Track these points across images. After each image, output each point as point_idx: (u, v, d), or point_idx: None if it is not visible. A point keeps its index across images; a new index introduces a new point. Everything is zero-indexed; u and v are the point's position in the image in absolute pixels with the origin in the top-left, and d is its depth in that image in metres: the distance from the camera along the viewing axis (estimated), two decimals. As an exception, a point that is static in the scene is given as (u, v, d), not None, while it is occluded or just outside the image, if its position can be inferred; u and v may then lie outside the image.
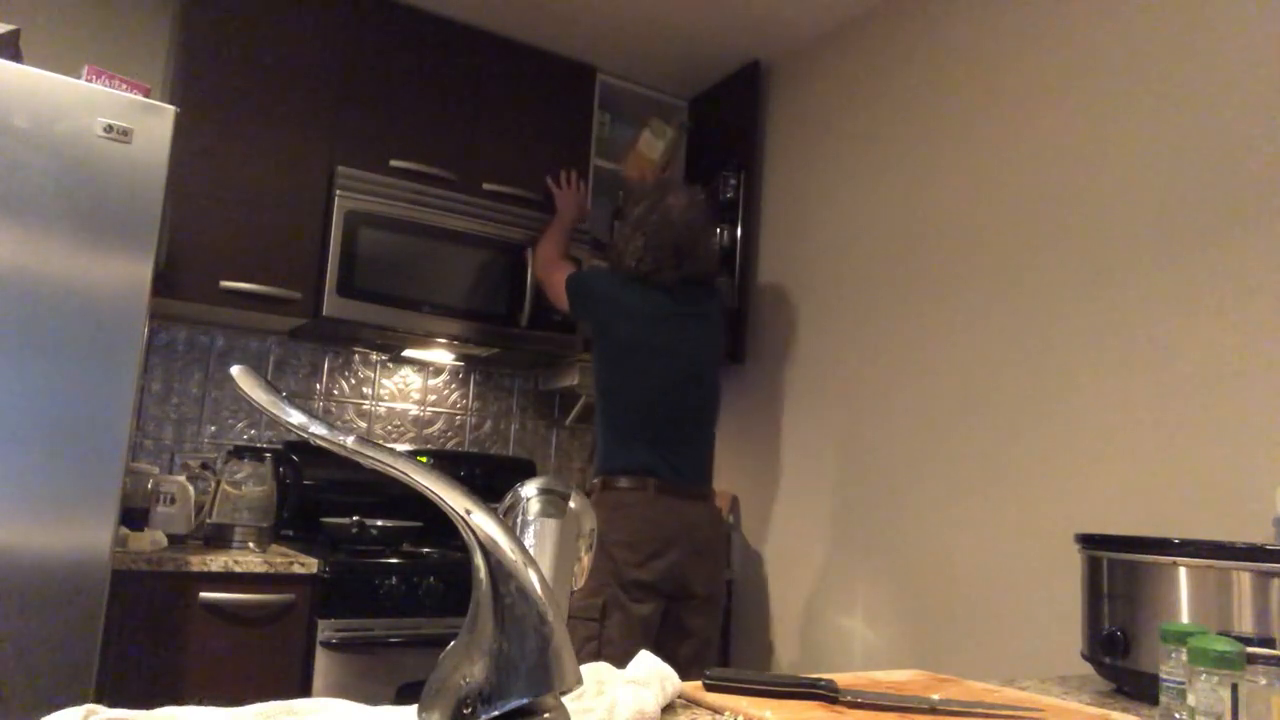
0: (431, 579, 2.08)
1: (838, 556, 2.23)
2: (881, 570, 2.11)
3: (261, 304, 2.23)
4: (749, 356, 2.64)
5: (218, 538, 2.10)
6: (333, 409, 2.67)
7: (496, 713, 0.54)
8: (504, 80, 2.65)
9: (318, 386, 2.65)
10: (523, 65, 2.69)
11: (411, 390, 2.80)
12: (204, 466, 2.31)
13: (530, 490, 0.78)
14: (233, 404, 2.51)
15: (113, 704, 0.66)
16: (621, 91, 2.91)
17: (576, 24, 2.61)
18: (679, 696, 0.91)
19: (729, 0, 2.44)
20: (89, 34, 2.38)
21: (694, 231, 2.12)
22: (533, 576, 0.56)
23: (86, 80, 1.70)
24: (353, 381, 2.71)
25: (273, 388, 0.53)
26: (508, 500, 0.79)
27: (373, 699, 1.89)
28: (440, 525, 2.35)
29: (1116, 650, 1.13)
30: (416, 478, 0.54)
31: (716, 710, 0.87)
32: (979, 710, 0.91)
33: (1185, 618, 1.08)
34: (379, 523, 2.30)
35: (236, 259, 2.21)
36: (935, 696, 0.93)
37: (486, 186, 2.56)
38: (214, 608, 1.88)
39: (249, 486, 2.13)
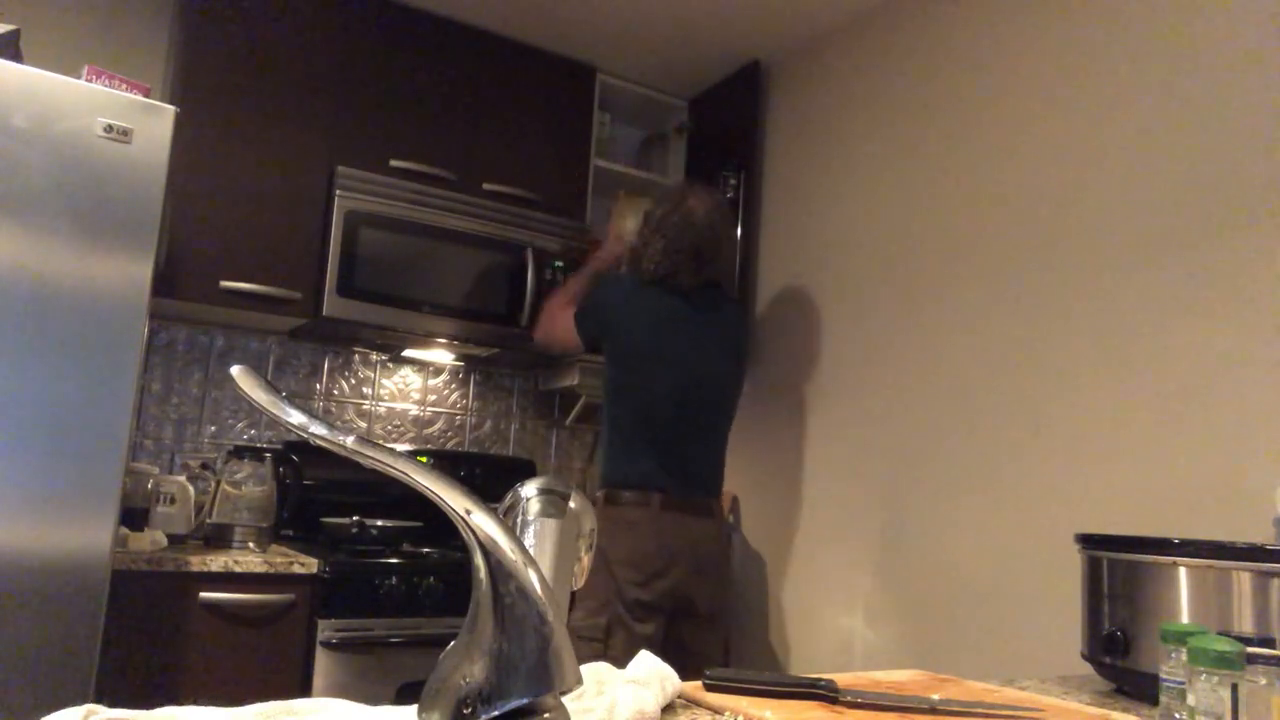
0: (431, 579, 2.08)
1: (838, 556, 2.23)
2: (881, 570, 2.10)
3: (261, 304, 2.23)
4: (748, 356, 2.63)
5: (218, 538, 2.10)
6: (333, 409, 2.67)
7: (496, 713, 0.54)
8: (504, 80, 2.65)
9: (318, 386, 2.65)
10: (523, 65, 2.69)
11: (411, 390, 2.80)
12: (204, 466, 2.31)
13: (530, 490, 0.78)
14: (233, 404, 2.51)
15: (113, 704, 0.66)
16: (621, 91, 2.91)
17: (576, 24, 2.61)
18: (679, 696, 0.91)
19: (729, 0, 2.44)
20: (89, 34, 2.38)
21: (715, 234, 2.08)
22: (533, 576, 0.56)
23: (86, 80, 1.70)
24: (353, 381, 2.71)
25: (273, 388, 0.53)
26: (508, 500, 0.79)
27: (373, 699, 1.89)
28: (440, 525, 2.35)
29: (1116, 650, 1.13)
30: (416, 478, 0.54)
31: (716, 710, 0.87)
32: (979, 710, 0.91)
33: (1185, 618, 1.08)
34: (379, 523, 2.30)
35: (236, 259, 2.21)
36: (935, 696, 0.93)
37: (486, 186, 2.56)
38: (214, 608, 1.88)
39: (249, 486, 2.13)
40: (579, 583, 0.80)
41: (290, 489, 2.38)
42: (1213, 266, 1.55)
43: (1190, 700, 0.79)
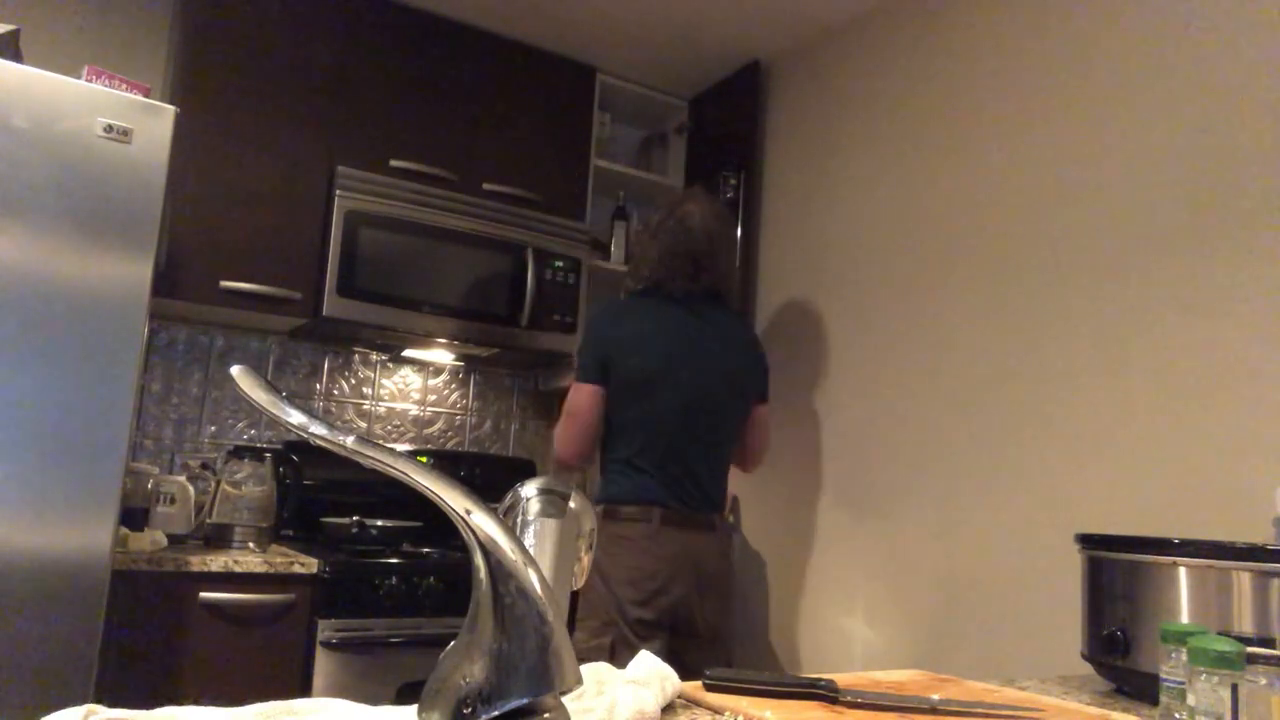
0: (431, 579, 2.08)
1: (838, 556, 2.23)
2: (881, 570, 2.10)
3: (261, 304, 2.23)
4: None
5: (218, 538, 2.10)
6: (333, 409, 2.67)
7: (496, 713, 0.54)
8: (504, 80, 2.65)
9: (318, 386, 2.65)
10: (523, 65, 2.69)
11: (411, 390, 2.80)
12: (204, 466, 2.31)
13: (530, 490, 0.78)
14: (233, 404, 2.51)
15: (113, 704, 0.66)
16: (621, 91, 2.91)
17: (576, 24, 2.61)
18: (679, 696, 0.91)
19: (729, 0, 2.44)
20: (89, 34, 2.38)
21: (713, 240, 2.03)
22: (533, 576, 0.56)
23: (86, 80, 1.70)
24: (353, 381, 2.71)
25: (273, 388, 0.53)
26: (508, 500, 0.79)
27: (373, 699, 1.89)
28: (440, 525, 2.35)
29: (1116, 650, 1.13)
30: (416, 478, 0.54)
31: (716, 710, 0.87)
32: (979, 710, 0.91)
33: (1185, 618, 1.08)
34: (379, 523, 2.30)
35: (236, 259, 2.21)
36: (935, 696, 0.93)
37: (486, 186, 2.56)
38: (214, 608, 1.88)
39: (249, 486, 2.13)
40: (579, 583, 0.80)
41: (290, 489, 2.38)
42: (1213, 267, 1.55)
43: (1190, 700, 0.79)
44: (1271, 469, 1.41)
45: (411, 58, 2.50)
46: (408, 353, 2.72)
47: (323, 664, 1.93)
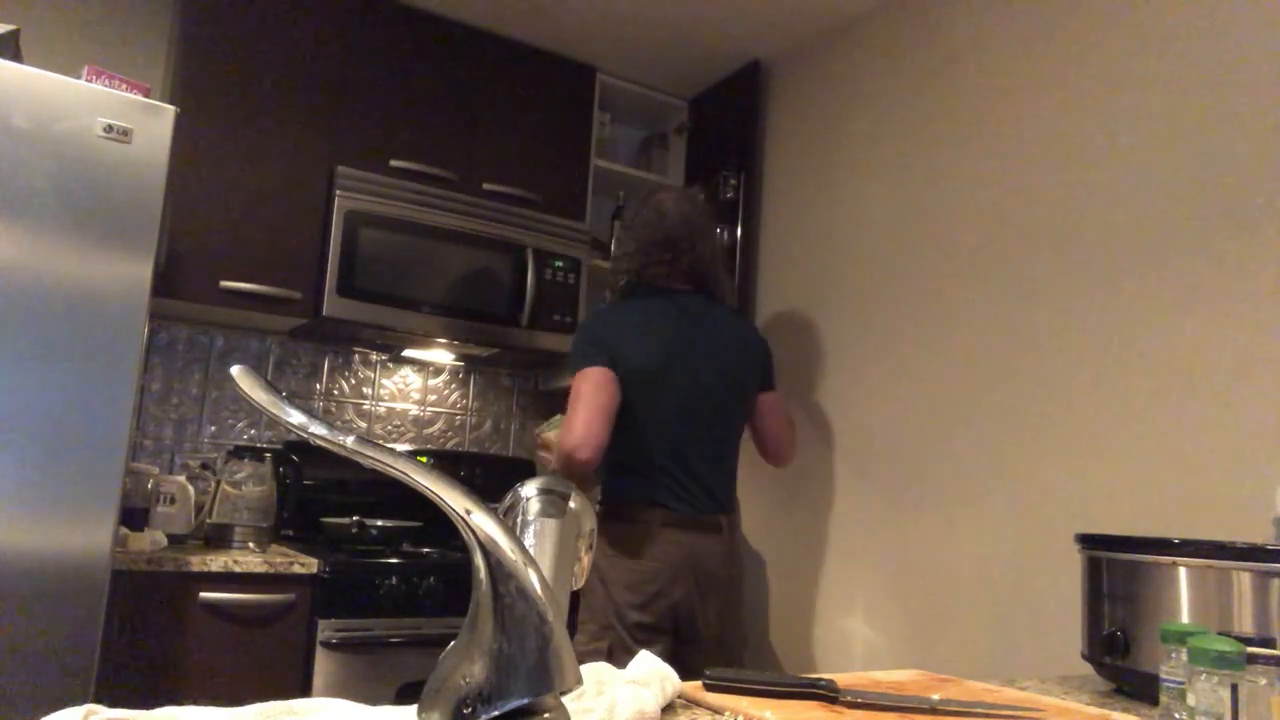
0: (431, 579, 2.08)
1: (838, 556, 2.23)
2: (881, 570, 2.10)
3: (261, 304, 2.23)
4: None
5: (218, 538, 2.10)
6: (333, 409, 2.67)
7: (496, 713, 0.54)
8: (504, 80, 2.65)
9: (318, 386, 2.65)
10: (523, 65, 2.69)
11: (411, 390, 2.80)
12: (204, 466, 2.32)
13: (530, 490, 0.78)
14: (233, 404, 2.51)
15: (113, 704, 0.66)
16: (621, 91, 2.91)
17: (576, 24, 2.61)
18: (679, 696, 0.91)
19: (729, 0, 2.44)
20: (89, 34, 2.38)
21: (689, 224, 1.98)
22: (533, 576, 0.56)
23: (86, 80, 1.70)
24: (353, 381, 2.71)
25: (273, 388, 0.53)
26: (508, 500, 0.79)
27: (373, 699, 1.89)
28: (440, 525, 2.35)
29: (1116, 650, 1.13)
30: (416, 478, 0.54)
31: (716, 710, 0.87)
32: (979, 710, 0.91)
33: (1185, 618, 1.08)
34: (379, 523, 2.30)
35: (236, 259, 2.21)
36: (935, 696, 0.93)
37: (486, 186, 2.56)
38: (214, 608, 1.88)
39: (249, 486, 2.13)
40: (579, 583, 0.80)
41: (290, 489, 2.38)
42: (1213, 267, 1.55)
43: (1190, 700, 0.79)
44: (1271, 469, 1.41)
45: (411, 58, 2.50)
46: (408, 353, 2.72)
47: (323, 664, 1.93)
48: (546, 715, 0.56)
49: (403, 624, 2.04)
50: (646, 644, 1.79)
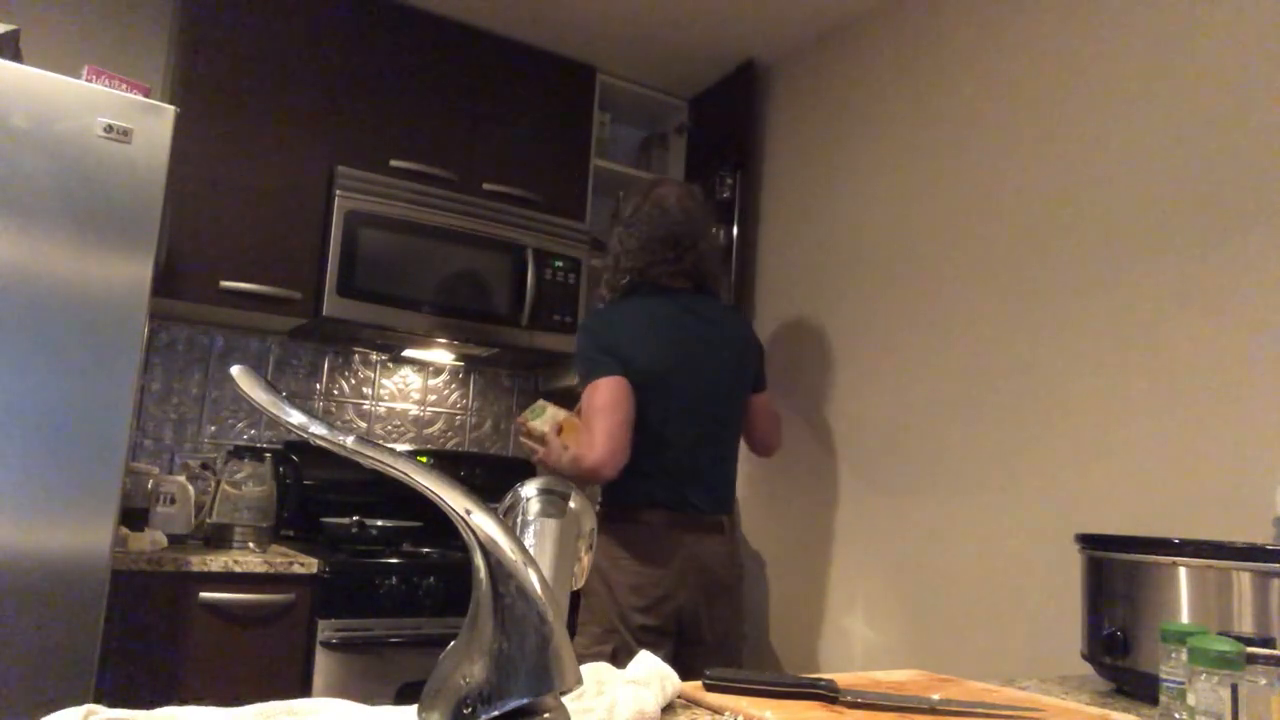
0: (431, 579, 2.08)
1: (838, 556, 2.23)
2: (881, 570, 2.10)
3: (261, 304, 2.23)
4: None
5: (218, 538, 2.10)
6: (333, 409, 2.67)
7: (496, 713, 0.54)
8: (504, 80, 2.65)
9: (318, 386, 2.65)
10: (523, 65, 2.69)
11: (411, 390, 2.80)
12: (204, 466, 2.31)
13: (530, 490, 0.78)
14: (233, 404, 2.51)
15: (113, 704, 0.66)
16: (621, 91, 2.91)
17: (576, 24, 2.61)
18: (679, 696, 0.91)
19: (728, 1, 2.44)
20: (89, 34, 2.38)
21: (692, 220, 1.95)
22: (533, 576, 0.56)
23: (86, 80, 1.70)
24: (353, 381, 2.71)
25: (273, 388, 0.53)
26: (508, 500, 0.79)
27: (373, 699, 1.89)
28: (440, 525, 2.35)
29: (1116, 650, 1.13)
30: (416, 478, 0.54)
31: (716, 710, 0.87)
32: (979, 710, 0.91)
33: (1185, 618, 1.08)
34: (379, 523, 2.30)
35: (236, 259, 2.21)
36: (935, 696, 0.93)
37: (486, 186, 2.56)
38: (214, 608, 1.88)
39: (249, 486, 2.13)
40: (579, 583, 0.80)
41: (290, 489, 2.38)
42: (1213, 266, 1.55)
43: (1190, 700, 0.79)
44: (1271, 469, 1.41)
45: (411, 58, 2.50)
46: (408, 353, 2.72)
47: (323, 664, 1.93)
48: (546, 715, 0.56)
49: (403, 624, 2.04)
50: (651, 647, 1.76)
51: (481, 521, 0.55)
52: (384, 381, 2.75)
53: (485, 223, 2.49)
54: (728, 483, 1.96)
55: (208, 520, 2.13)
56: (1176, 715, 0.86)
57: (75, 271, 1.62)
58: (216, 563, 1.89)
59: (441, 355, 2.76)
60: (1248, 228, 1.51)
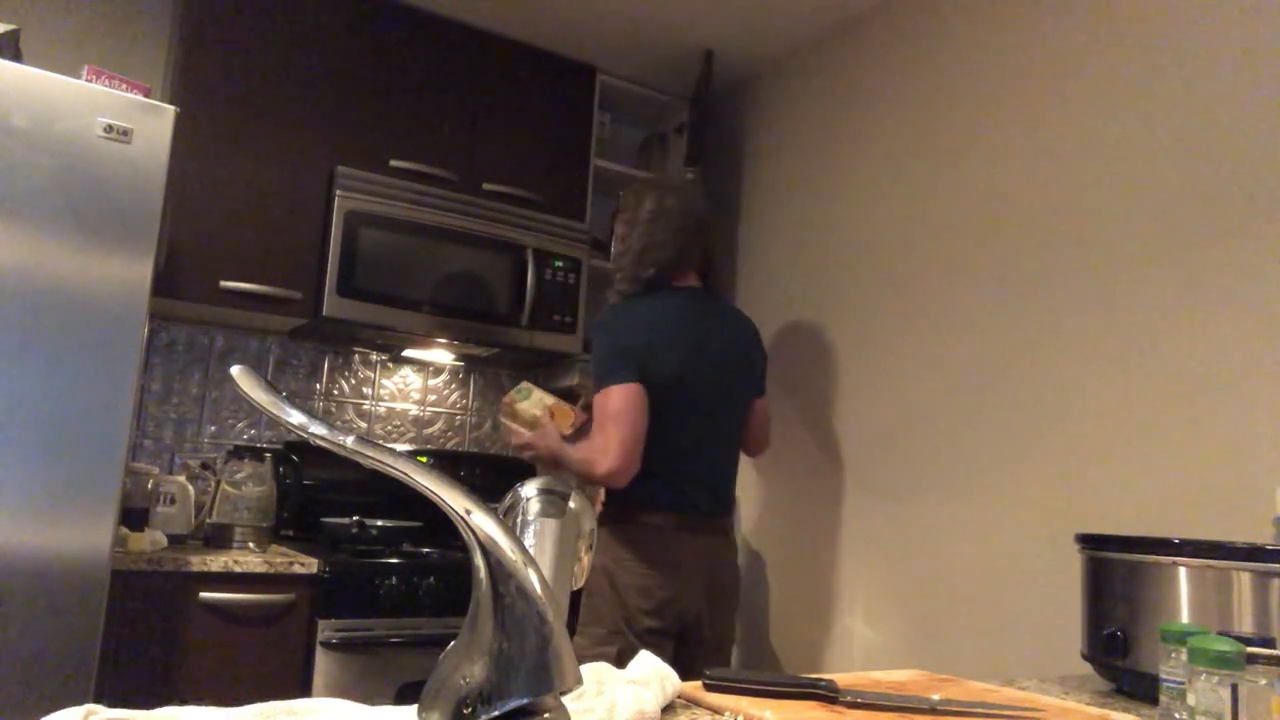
0: (431, 579, 2.08)
1: (838, 556, 2.23)
2: (881, 570, 2.10)
3: (261, 304, 2.23)
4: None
5: (218, 538, 2.10)
6: (333, 409, 2.67)
7: (496, 713, 0.54)
8: (504, 80, 2.65)
9: (318, 386, 2.65)
10: (523, 65, 2.69)
11: (411, 390, 2.80)
12: (204, 466, 2.31)
13: (530, 490, 0.78)
14: (233, 404, 2.51)
15: (113, 704, 0.66)
16: (621, 91, 2.91)
17: (576, 24, 2.61)
18: (679, 696, 0.91)
19: (726, 2, 2.44)
20: (89, 34, 2.38)
21: (701, 219, 1.96)
22: (533, 576, 0.56)
23: (86, 80, 1.70)
24: (353, 381, 2.71)
25: (273, 388, 0.53)
26: (508, 500, 0.79)
27: (373, 699, 1.89)
28: (440, 525, 2.35)
29: (1116, 650, 1.13)
30: (416, 478, 0.54)
31: (716, 710, 0.87)
32: (979, 710, 0.91)
33: (1185, 618, 1.08)
34: (379, 523, 2.30)
35: (236, 259, 2.21)
36: (935, 696, 0.93)
37: (486, 186, 2.56)
38: (214, 608, 1.88)
39: (249, 486, 2.13)
40: (579, 583, 0.80)
41: (290, 489, 2.38)
42: (1213, 267, 1.55)
43: (1190, 700, 0.79)
44: (1271, 469, 1.41)
45: (411, 58, 2.50)
46: (408, 353, 2.72)
47: (323, 664, 1.93)
48: (546, 715, 0.56)
49: (403, 624, 2.04)
50: (654, 648, 1.75)
51: (481, 521, 0.55)
52: (384, 381, 2.75)
53: (485, 223, 2.49)
54: (730, 484, 1.96)
55: (208, 520, 2.13)
56: (1176, 715, 0.86)
57: (75, 271, 1.62)
58: (216, 563, 1.89)
59: (441, 355, 2.76)
60: (1248, 228, 1.51)
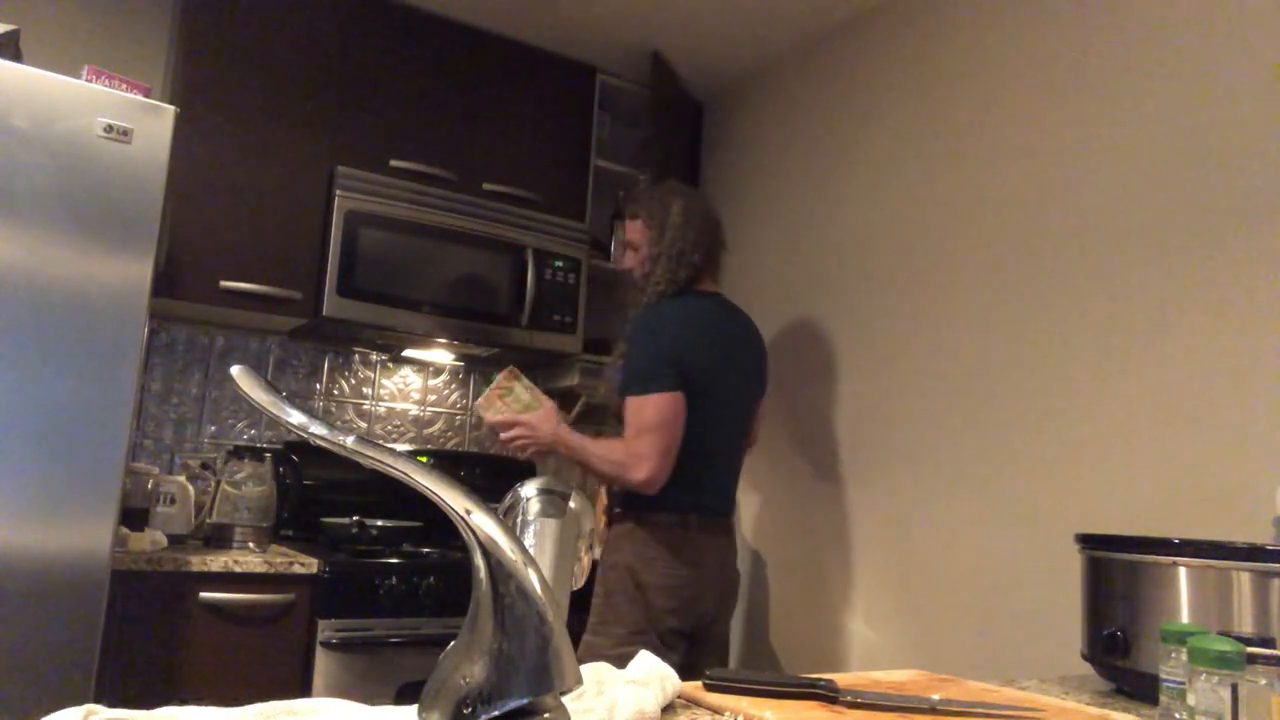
0: (431, 579, 2.08)
1: (837, 556, 2.23)
2: (881, 570, 2.10)
3: (261, 304, 2.23)
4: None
5: (218, 538, 2.10)
6: (333, 409, 2.66)
7: (496, 713, 0.54)
8: (504, 80, 2.65)
9: (318, 386, 2.65)
10: (523, 65, 2.69)
11: (411, 390, 2.80)
12: (204, 466, 2.32)
13: (530, 490, 0.78)
14: (233, 404, 2.51)
15: (113, 704, 0.66)
16: (621, 91, 2.91)
17: (576, 24, 2.61)
18: (679, 696, 0.91)
19: (725, 2, 2.44)
20: (89, 34, 2.38)
21: (719, 223, 2.03)
22: (533, 576, 0.56)
23: (86, 80, 1.70)
24: (353, 381, 2.71)
25: (273, 388, 0.53)
26: (508, 500, 0.79)
27: (373, 699, 1.89)
28: (440, 525, 2.35)
29: (1116, 650, 1.13)
30: (416, 478, 0.54)
31: (716, 710, 0.87)
32: (979, 710, 0.91)
33: (1185, 618, 1.08)
34: (379, 523, 2.30)
35: (236, 259, 2.21)
36: (935, 696, 0.93)
37: (486, 186, 2.56)
38: (214, 608, 1.88)
39: (249, 486, 2.13)
40: (579, 583, 0.80)
41: (290, 489, 2.38)
42: (1213, 267, 1.55)
43: (1190, 700, 0.79)
44: (1271, 469, 1.41)
45: (411, 58, 2.50)
46: (408, 353, 2.72)
47: (323, 664, 1.93)
48: (546, 715, 0.56)
49: (403, 624, 2.04)
50: (673, 649, 1.80)
51: (481, 521, 0.55)
52: (384, 381, 2.75)
53: (485, 223, 2.49)
54: (736, 483, 2.00)
55: (208, 520, 2.13)
56: (1176, 715, 0.86)
57: (75, 271, 1.62)
58: (216, 563, 1.89)
59: (441, 355, 2.76)
60: (1248, 228, 1.51)
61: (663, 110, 2.80)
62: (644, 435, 1.78)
